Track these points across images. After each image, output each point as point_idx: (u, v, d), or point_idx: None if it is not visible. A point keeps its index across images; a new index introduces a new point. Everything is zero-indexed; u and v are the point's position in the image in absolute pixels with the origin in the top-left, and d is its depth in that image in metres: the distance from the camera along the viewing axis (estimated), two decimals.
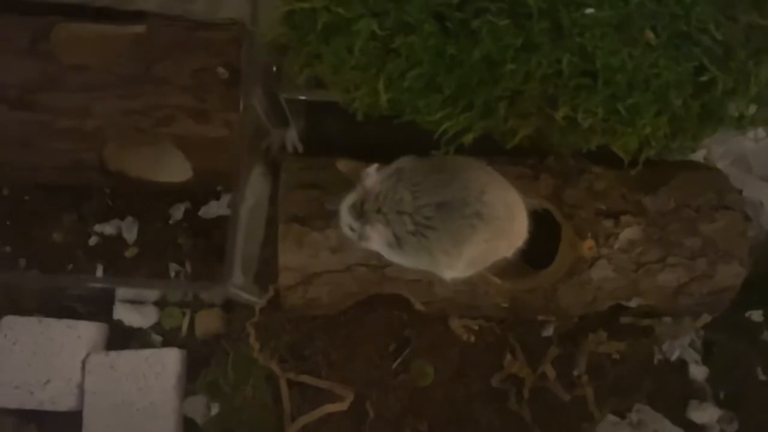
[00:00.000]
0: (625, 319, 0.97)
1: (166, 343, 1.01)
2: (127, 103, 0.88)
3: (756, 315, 1.02)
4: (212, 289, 0.94)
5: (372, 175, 0.74)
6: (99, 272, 1.02)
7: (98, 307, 1.01)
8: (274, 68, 0.85)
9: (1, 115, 0.87)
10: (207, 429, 0.97)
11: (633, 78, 0.75)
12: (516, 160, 0.89)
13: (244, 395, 0.95)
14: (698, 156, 1.02)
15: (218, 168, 0.91)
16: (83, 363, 0.96)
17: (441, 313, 0.95)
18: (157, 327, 1.02)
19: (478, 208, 0.72)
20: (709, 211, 0.89)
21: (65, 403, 0.95)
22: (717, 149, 1.03)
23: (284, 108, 0.90)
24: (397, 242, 0.74)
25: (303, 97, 0.86)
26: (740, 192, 0.93)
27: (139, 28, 0.90)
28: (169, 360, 0.96)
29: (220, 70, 0.88)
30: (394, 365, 0.97)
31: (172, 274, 1.02)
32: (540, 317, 0.96)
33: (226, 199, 1.03)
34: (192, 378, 0.98)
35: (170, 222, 1.04)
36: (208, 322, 1.01)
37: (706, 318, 0.96)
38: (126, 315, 1.01)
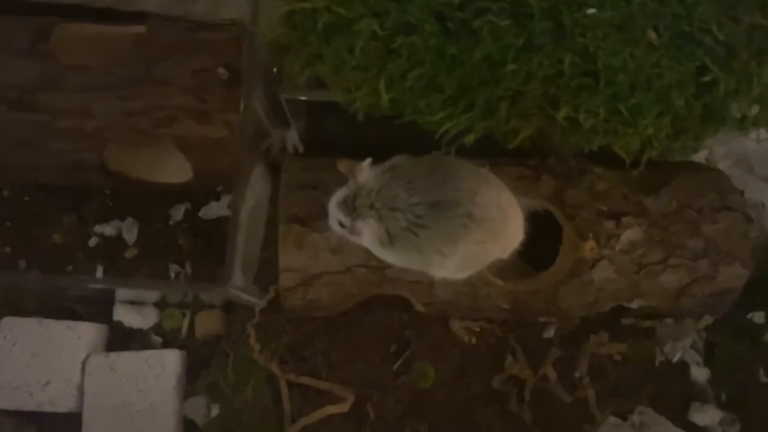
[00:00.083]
0: (626, 321, 0.97)
1: (166, 345, 1.01)
2: (127, 103, 0.88)
3: (758, 317, 1.02)
4: (212, 290, 0.94)
5: (365, 171, 0.74)
6: (99, 273, 1.02)
7: (98, 308, 1.01)
8: (275, 69, 0.85)
9: (1, 115, 0.87)
10: (207, 430, 0.97)
11: (635, 78, 0.75)
12: (517, 161, 0.89)
13: (245, 396, 0.95)
14: (700, 157, 1.02)
15: (219, 169, 0.91)
16: (83, 364, 0.96)
17: (442, 315, 0.95)
18: (157, 328, 1.02)
19: (470, 209, 0.72)
20: (711, 212, 0.89)
21: (65, 404, 0.95)
22: (719, 150, 1.03)
23: (285, 108, 0.90)
24: (389, 239, 0.74)
25: (303, 98, 0.86)
26: (742, 193, 0.93)
27: (140, 29, 0.90)
28: (169, 361, 0.96)
29: (221, 70, 0.88)
30: (395, 366, 0.97)
31: (172, 275, 1.02)
32: (541, 319, 0.95)
33: (226, 199, 1.03)
34: (192, 379, 0.98)
35: (170, 223, 1.04)
36: (208, 323, 1.01)
37: (707, 319, 0.96)
38: (126, 316, 1.01)
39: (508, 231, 0.76)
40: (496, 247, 0.77)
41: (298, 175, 0.89)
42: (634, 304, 0.90)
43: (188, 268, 1.02)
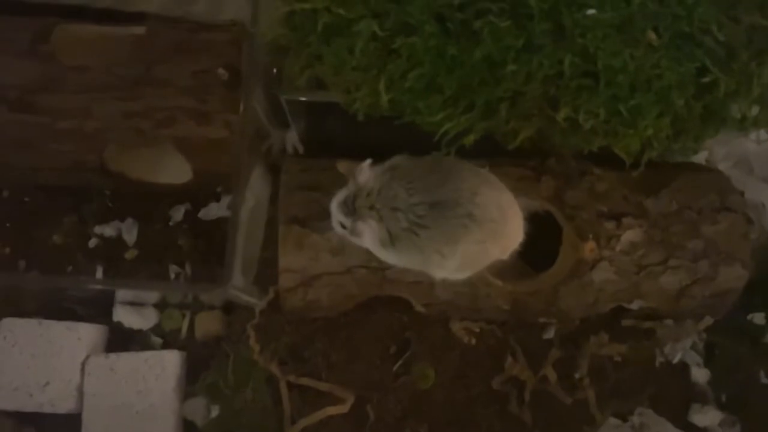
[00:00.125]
0: (626, 322, 0.97)
1: (165, 345, 1.01)
2: (127, 104, 0.88)
3: (758, 318, 1.01)
4: (212, 290, 0.94)
5: (365, 171, 0.74)
6: (99, 274, 1.02)
7: (98, 309, 1.01)
8: (275, 69, 0.84)
9: (1, 116, 0.87)
10: (207, 431, 0.97)
11: (635, 79, 0.75)
12: (517, 162, 0.89)
13: (244, 397, 0.95)
14: (700, 158, 1.02)
15: (218, 169, 0.91)
16: (83, 365, 0.96)
17: (442, 316, 0.95)
18: (156, 329, 1.02)
19: (470, 210, 0.72)
20: (711, 213, 0.89)
21: (64, 405, 0.95)
22: (719, 151, 1.03)
23: (285, 109, 0.90)
24: (390, 239, 0.74)
25: (303, 98, 0.86)
26: (742, 194, 0.93)
27: (140, 30, 0.90)
28: (169, 362, 0.96)
29: (221, 71, 0.88)
30: (395, 367, 0.97)
31: (172, 276, 1.02)
32: (541, 319, 0.95)
33: (226, 200, 1.03)
34: (192, 380, 0.98)
35: (170, 223, 1.03)
36: (208, 324, 1.01)
37: (708, 320, 0.96)
38: (126, 317, 1.01)
39: (508, 232, 0.76)
40: (496, 247, 0.77)
41: (298, 176, 0.89)
42: (634, 305, 0.90)
43: (188, 268, 1.02)
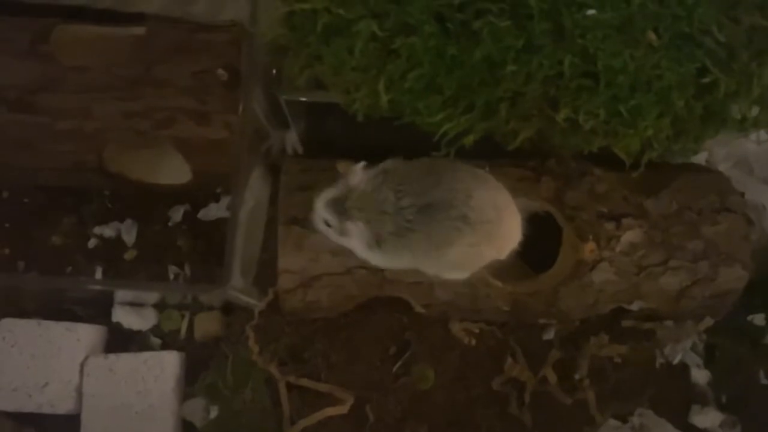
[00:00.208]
0: (626, 323, 0.96)
1: (165, 346, 1.01)
2: (127, 104, 0.88)
3: (758, 319, 1.01)
4: (211, 291, 0.94)
5: (358, 174, 0.74)
6: (98, 274, 1.02)
7: (97, 310, 1.00)
8: (274, 70, 0.85)
9: (0, 116, 0.87)
10: None
11: (635, 79, 0.74)
12: (517, 162, 0.89)
13: (244, 398, 0.95)
14: (700, 158, 1.02)
15: (218, 170, 0.91)
16: (82, 366, 0.95)
17: (441, 316, 0.95)
18: (156, 330, 1.01)
19: (464, 212, 0.72)
20: (711, 214, 0.88)
21: (64, 406, 0.95)
22: (719, 152, 1.03)
23: (284, 110, 0.90)
24: (377, 242, 0.74)
25: (303, 99, 0.86)
26: (742, 195, 0.93)
27: (140, 30, 0.90)
28: (168, 363, 0.96)
29: (220, 71, 0.88)
30: (395, 368, 0.96)
31: (171, 277, 1.02)
32: (541, 320, 0.95)
33: (225, 201, 1.03)
34: (191, 381, 0.98)
35: (169, 224, 1.03)
36: (207, 325, 1.01)
37: (708, 321, 0.95)
38: (125, 317, 1.01)
39: (504, 232, 0.76)
40: (491, 249, 0.77)
41: (297, 176, 0.89)
42: (635, 306, 0.90)
43: (187, 269, 1.02)
